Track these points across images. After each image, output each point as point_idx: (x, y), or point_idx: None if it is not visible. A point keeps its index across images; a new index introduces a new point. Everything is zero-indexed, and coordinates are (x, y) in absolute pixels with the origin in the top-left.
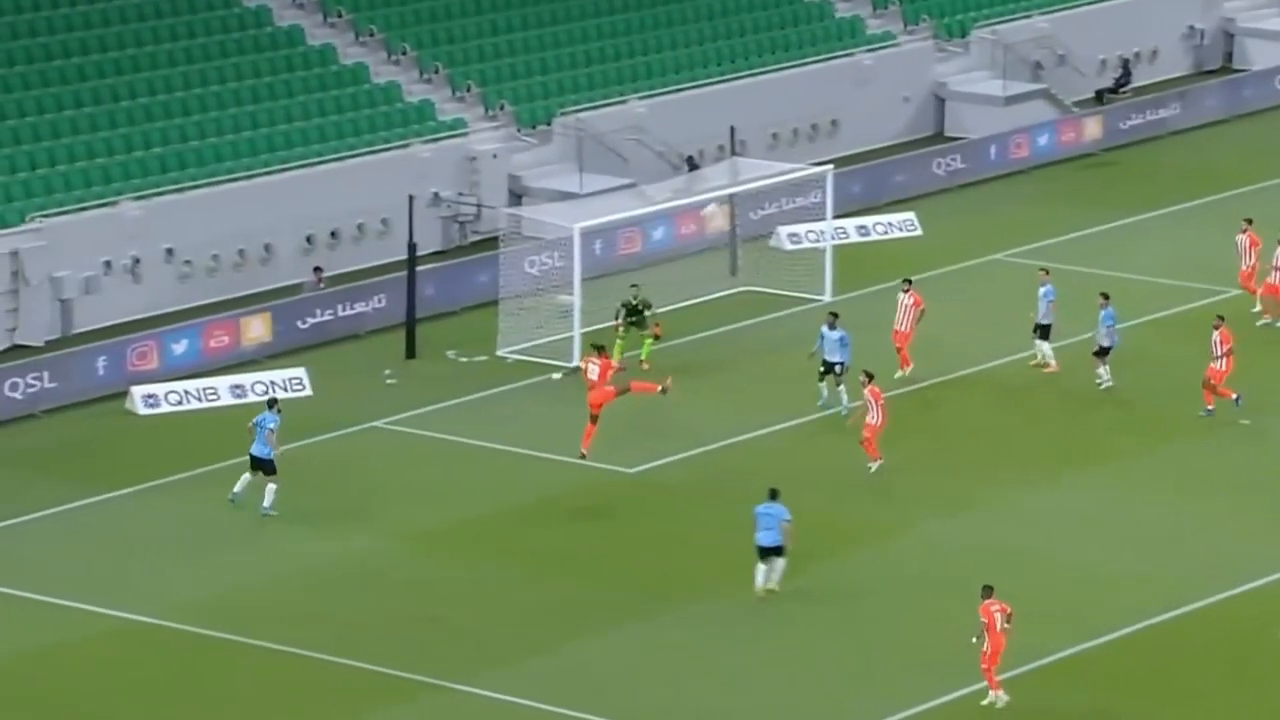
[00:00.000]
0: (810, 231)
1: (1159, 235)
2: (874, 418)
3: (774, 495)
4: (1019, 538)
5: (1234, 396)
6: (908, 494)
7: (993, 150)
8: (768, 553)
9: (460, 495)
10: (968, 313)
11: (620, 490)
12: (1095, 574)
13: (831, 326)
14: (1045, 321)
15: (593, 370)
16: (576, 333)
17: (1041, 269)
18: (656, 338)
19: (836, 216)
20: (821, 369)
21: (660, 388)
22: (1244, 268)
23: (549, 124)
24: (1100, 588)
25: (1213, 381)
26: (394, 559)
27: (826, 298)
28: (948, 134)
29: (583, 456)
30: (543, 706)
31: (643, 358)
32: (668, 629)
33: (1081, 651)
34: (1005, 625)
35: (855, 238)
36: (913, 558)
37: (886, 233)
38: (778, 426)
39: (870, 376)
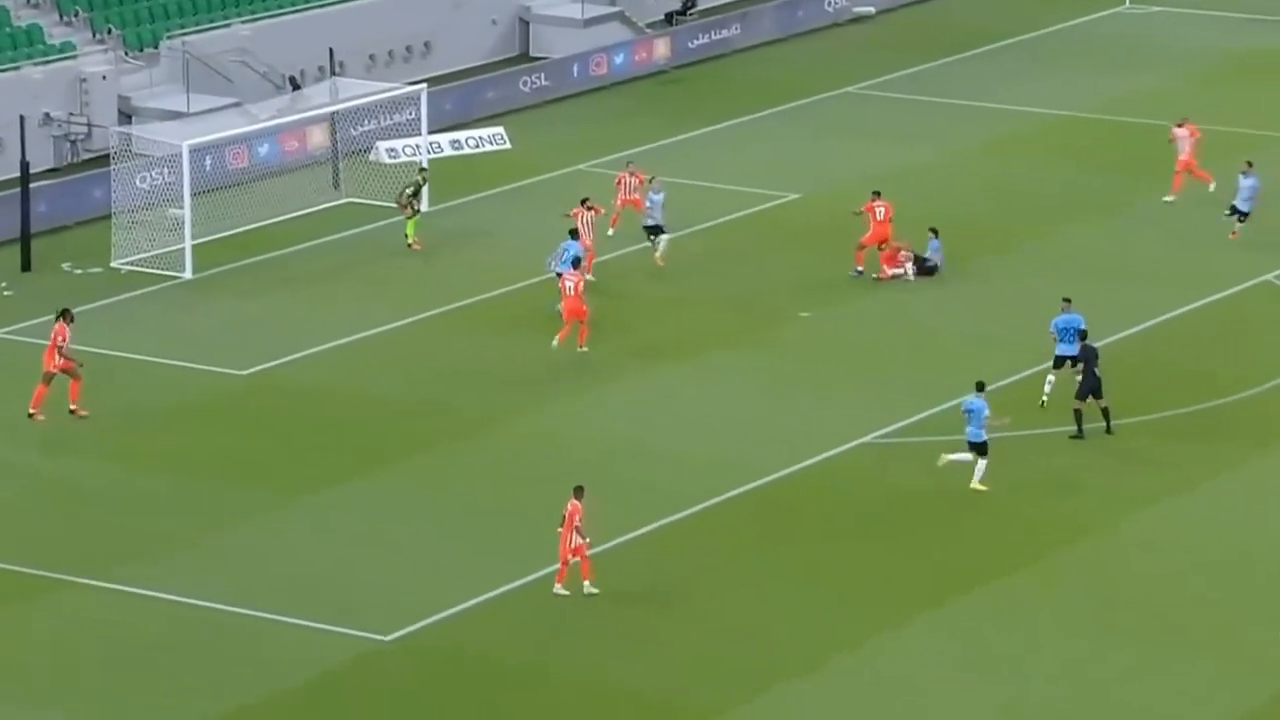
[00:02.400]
0: (407, 146)
1: (726, 145)
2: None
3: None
4: (627, 428)
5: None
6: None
7: (574, 69)
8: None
9: (83, 401)
10: (558, 218)
11: (236, 391)
12: (683, 457)
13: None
14: (651, 222)
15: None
16: (187, 244)
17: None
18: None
19: (431, 132)
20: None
21: None
22: (1183, 156)
23: (156, 47)
24: (689, 468)
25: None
26: (22, 463)
27: (424, 207)
28: (533, 54)
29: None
30: (184, 600)
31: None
32: (298, 516)
33: (672, 522)
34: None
35: (449, 151)
36: (522, 449)
37: (478, 146)
38: (383, 328)
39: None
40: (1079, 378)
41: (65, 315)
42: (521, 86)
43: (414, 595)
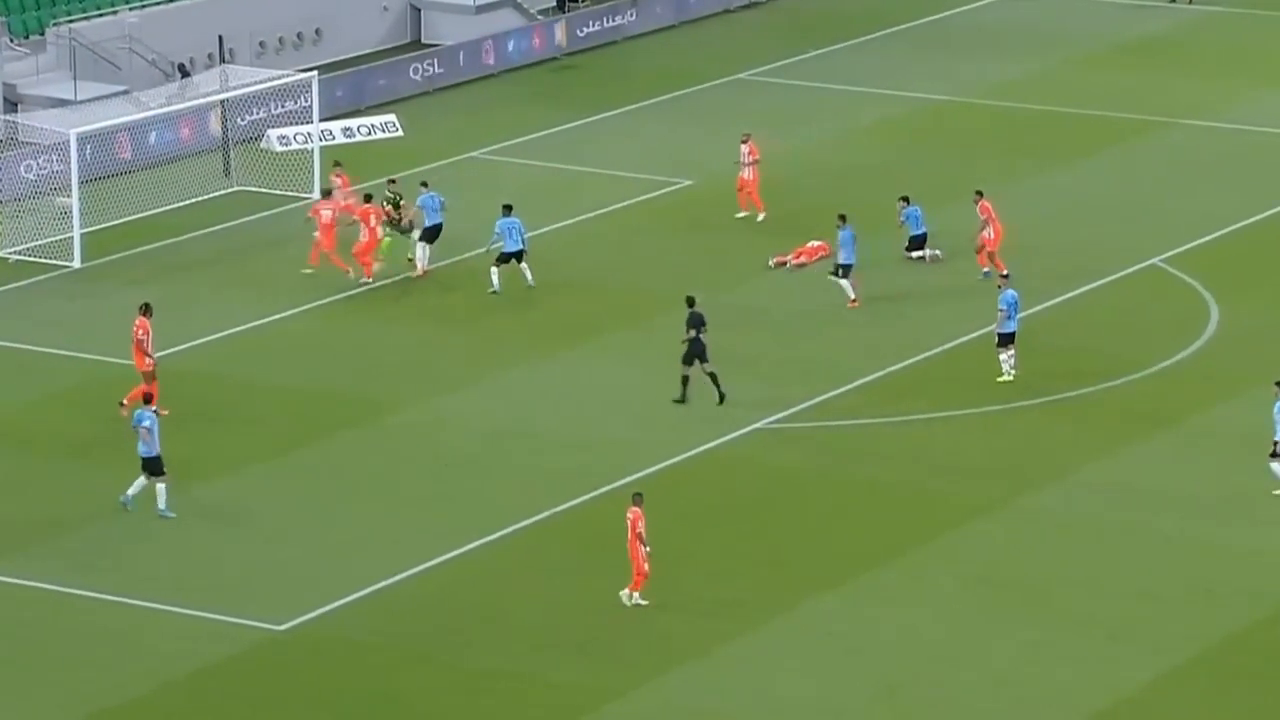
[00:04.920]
0: (299, 134)
1: (620, 132)
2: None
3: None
4: (518, 414)
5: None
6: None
7: (465, 56)
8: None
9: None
10: (449, 205)
11: (126, 379)
12: (576, 442)
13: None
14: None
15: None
16: (76, 233)
17: None
18: (398, 226)
19: (322, 120)
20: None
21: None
22: (744, 175)
23: (42, 34)
24: (581, 454)
25: (987, 249)
26: None
27: (316, 195)
28: (425, 41)
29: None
30: (70, 590)
31: (383, 254)
32: (189, 504)
33: (565, 509)
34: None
35: (341, 139)
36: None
37: (370, 134)
38: (275, 316)
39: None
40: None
41: (146, 309)
42: (413, 74)
43: (308, 584)
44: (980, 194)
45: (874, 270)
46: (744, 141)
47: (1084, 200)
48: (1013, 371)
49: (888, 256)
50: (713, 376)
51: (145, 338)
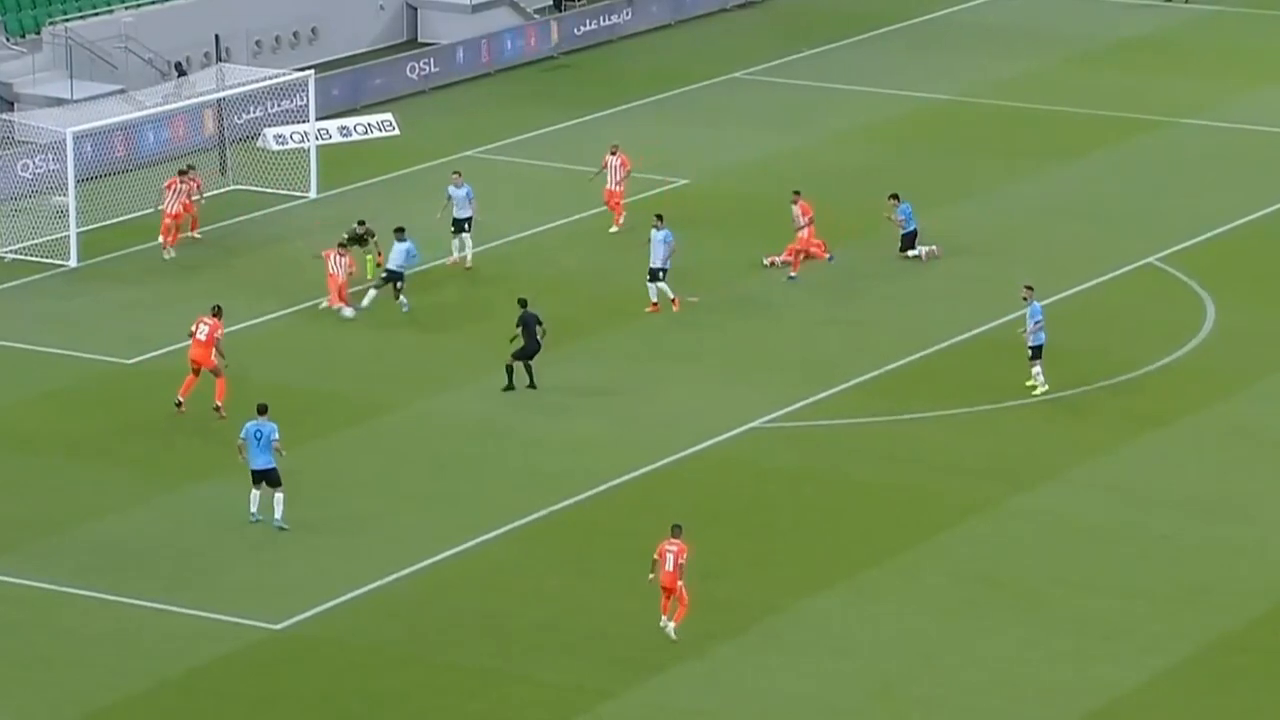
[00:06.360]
0: (295, 133)
1: (616, 131)
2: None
3: (262, 411)
4: (511, 414)
5: (827, 256)
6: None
7: (462, 55)
8: (260, 476)
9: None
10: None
11: (121, 379)
12: (570, 442)
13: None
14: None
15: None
16: (73, 232)
17: None
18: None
19: (319, 119)
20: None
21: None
22: (611, 186)
23: (38, 33)
24: (575, 453)
25: (806, 250)
26: None
27: (313, 194)
28: (421, 40)
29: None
30: (65, 589)
31: (369, 276)
32: (187, 504)
33: (558, 509)
34: (674, 566)
35: (337, 138)
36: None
37: (367, 133)
38: (271, 315)
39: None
40: (521, 342)
41: (218, 311)
42: (409, 73)
43: (303, 584)
44: (798, 194)
45: (868, 270)
46: (613, 153)
47: (1079, 199)
48: (1045, 384)
49: (882, 256)
50: (529, 369)
51: (221, 339)
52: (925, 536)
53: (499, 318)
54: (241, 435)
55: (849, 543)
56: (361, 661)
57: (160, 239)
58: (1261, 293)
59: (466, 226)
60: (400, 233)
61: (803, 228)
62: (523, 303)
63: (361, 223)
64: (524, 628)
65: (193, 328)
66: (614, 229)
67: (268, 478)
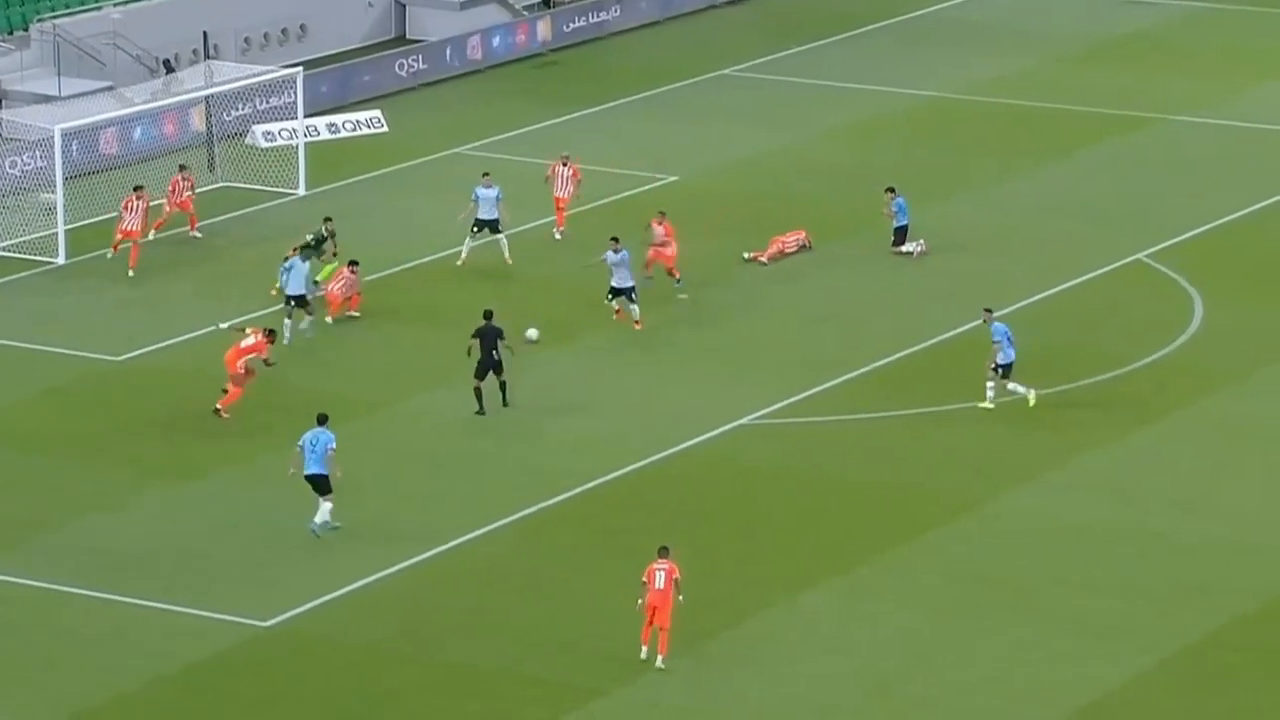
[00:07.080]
0: (283, 130)
1: (604, 128)
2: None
3: (321, 420)
4: (503, 412)
5: (677, 277)
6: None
7: (450, 52)
8: (311, 481)
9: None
10: (434, 201)
11: (111, 377)
12: (560, 440)
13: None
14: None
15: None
16: (60, 229)
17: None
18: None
19: (307, 116)
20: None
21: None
22: (558, 194)
23: (26, 30)
24: (565, 451)
25: (662, 263)
26: None
27: (301, 191)
28: (410, 37)
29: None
30: (56, 587)
31: (318, 279)
32: (175, 502)
33: (548, 506)
34: (666, 584)
35: (326, 135)
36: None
37: (355, 130)
38: (260, 313)
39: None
40: (478, 356)
41: (270, 334)
42: (398, 70)
43: (294, 581)
44: (663, 214)
45: (858, 266)
46: (563, 164)
47: (1068, 196)
48: (994, 402)
49: (872, 252)
50: (502, 385)
51: (259, 359)
52: (917, 534)
53: (500, 311)
54: (299, 443)
55: (840, 540)
56: (357, 659)
57: (111, 250)
58: (1249, 289)
59: (496, 228)
60: (306, 251)
61: (665, 244)
62: (487, 315)
63: (328, 219)
64: (516, 625)
65: (247, 331)
66: (557, 235)
67: (316, 484)
